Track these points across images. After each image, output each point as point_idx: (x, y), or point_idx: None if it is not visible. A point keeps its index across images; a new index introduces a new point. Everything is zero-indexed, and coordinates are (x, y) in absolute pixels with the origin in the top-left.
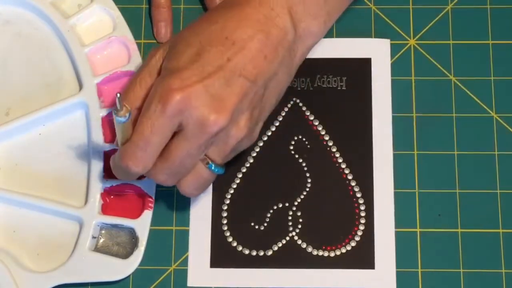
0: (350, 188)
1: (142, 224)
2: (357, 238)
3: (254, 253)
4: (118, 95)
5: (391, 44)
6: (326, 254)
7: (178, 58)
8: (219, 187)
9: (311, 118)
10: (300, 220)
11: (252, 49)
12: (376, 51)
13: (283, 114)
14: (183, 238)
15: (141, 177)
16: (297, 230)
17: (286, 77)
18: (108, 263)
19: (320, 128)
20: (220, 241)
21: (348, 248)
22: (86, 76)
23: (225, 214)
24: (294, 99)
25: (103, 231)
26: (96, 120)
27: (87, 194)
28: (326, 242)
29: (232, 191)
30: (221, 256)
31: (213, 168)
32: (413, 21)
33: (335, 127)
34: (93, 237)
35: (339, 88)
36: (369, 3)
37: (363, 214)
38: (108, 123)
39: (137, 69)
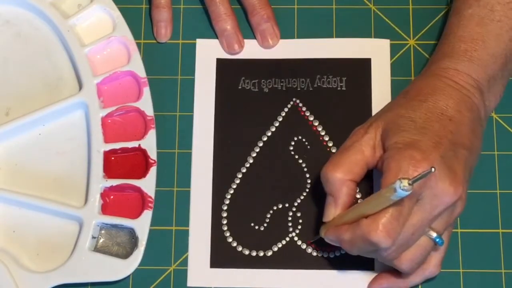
0: None
1: (142, 224)
2: None
3: (254, 253)
4: (433, 169)
5: (391, 44)
6: (325, 255)
7: (406, 131)
8: (219, 187)
9: (311, 118)
10: (300, 221)
11: (466, 124)
12: (376, 51)
13: (283, 114)
14: (183, 238)
15: (140, 177)
16: (297, 231)
17: (480, 148)
18: (108, 263)
19: (320, 129)
20: (220, 241)
21: None
22: (86, 76)
23: (225, 214)
24: (294, 99)
25: (103, 231)
26: (96, 120)
27: (87, 194)
28: (326, 242)
29: (232, 191)
30: (221, 256)
31: (438, 240)
32: (413, 21)
33: (335, 127)
34: (93, 237)
35: (339, 88)
36: (369, 3)
37: None
38: (108, 123)
39: (343, 148)
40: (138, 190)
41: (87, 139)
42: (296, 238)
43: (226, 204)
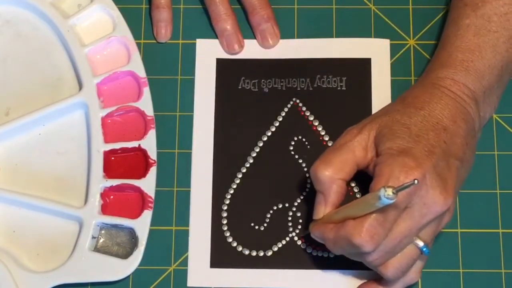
0: (349, 188)
1: (142, 224)
2: None
3: (254, 253)
4: (416, 181)
5: (391, 44)
6: (325, 254)
7: (400, 138)
8: (219, 187)
9: (311, 118)
10: (300, 221)
11: (461, 135)
12: (376, 51)
13: (283, 114)
14: (183, 238)
15: (140, 177)
16: (297, 231)
17: (472, 160)
18: (108, 263)
19: (320, 128)
20: (220, 241)
21: None
22: (86, 76)
23: (225, 214)
24: (294, 99)
25: (103, 231)
26: (96, 120)
27: (87, 194)
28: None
29: (232, 191)
30: (221, 257)
31: (424, 249)
32: (413, 21)
33: (335, 127)
34: (93, 237)
35: (339, 88)
36: (369, 3)
37: None
38: (108, 123)
39: (334, 146)
40: (138, 190)
41: (87, 139)
42: (296, 238)
43: (226, 204)
